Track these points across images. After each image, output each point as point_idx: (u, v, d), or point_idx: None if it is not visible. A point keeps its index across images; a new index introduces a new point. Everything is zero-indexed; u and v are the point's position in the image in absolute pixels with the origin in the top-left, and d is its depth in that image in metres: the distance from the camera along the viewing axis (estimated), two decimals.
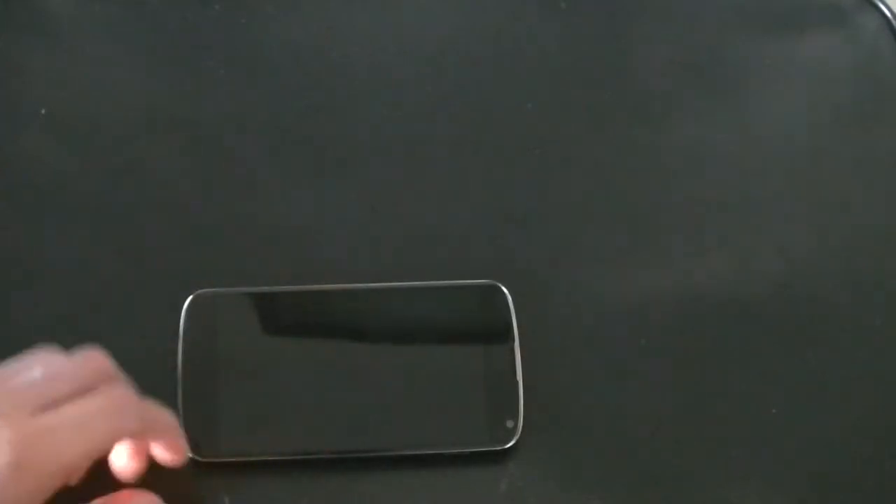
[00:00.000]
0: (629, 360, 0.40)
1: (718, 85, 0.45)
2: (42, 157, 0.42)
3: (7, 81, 0.44)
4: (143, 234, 0.41)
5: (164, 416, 0.34)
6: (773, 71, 0.46)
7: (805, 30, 0.47)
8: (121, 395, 0.32)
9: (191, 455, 0.36)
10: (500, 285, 0.39)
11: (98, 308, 0.40)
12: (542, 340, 0.40)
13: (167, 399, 0.35)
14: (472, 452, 0.37)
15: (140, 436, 0.34)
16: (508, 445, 0.37)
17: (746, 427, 0.39)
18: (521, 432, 0.37)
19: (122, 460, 0.34)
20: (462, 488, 0.37)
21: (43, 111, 0.43)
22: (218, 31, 0.46)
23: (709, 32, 0.46)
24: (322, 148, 0.43)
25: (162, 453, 0.35)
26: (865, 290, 0.41)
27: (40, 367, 0.32)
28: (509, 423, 0.37)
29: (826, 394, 0.39)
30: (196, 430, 0.36)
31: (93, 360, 0.33)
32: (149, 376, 0.35)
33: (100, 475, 0.34)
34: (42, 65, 0.45)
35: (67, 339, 0.39)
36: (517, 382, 0.38)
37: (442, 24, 0.46)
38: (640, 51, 0.46)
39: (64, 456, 0.30)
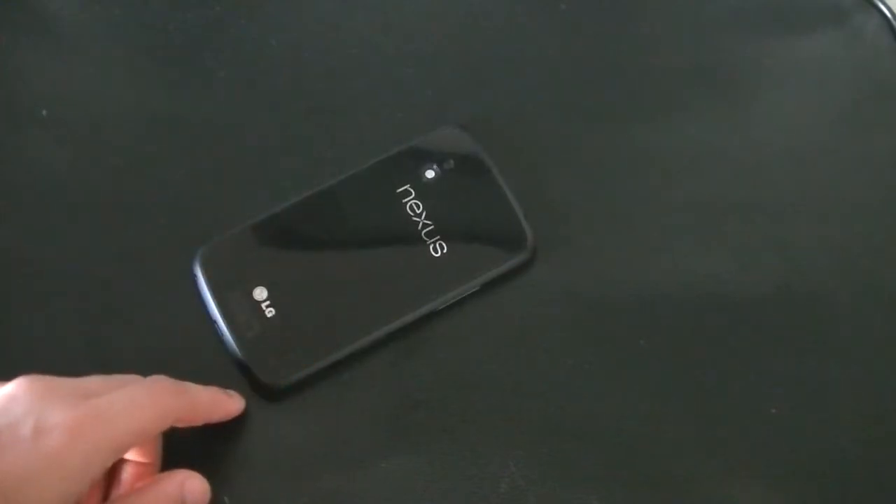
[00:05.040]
0: (629, 360, 0.40)
1: (718, 85, 0.45)
2: (42, 157, 0.43)
3: (7, 81, 0.44)
4: (143, 235, 0.41)
5: (208, 393, 0.37)
6: (773, 71, 0.46)
7: (805, 30, 0.47)
8: (164, 380, 0.35)
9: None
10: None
11: (98, 308, 0.40)
12: (542, 339, 0.40)
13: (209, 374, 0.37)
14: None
15: (188, 417, 0.35)
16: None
17: (746, 427, 0.39)
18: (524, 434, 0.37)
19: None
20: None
21: (43, 112, 0.43)
22: (218, 32, 0.46)
23: (708, 32, 0.46)
24: (322, 148, 0.43)
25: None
26: (865, 290, 0.41)
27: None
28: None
29: (826, 394, 0.39)
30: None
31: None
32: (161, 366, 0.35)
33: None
34: (42, 65, 0.45)
35: (66, 339, 0.39)
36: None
37: (442, 25, 0.46)
38: (640, 51, 0.46)
39: (114, 436, 0.32)
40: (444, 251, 0.40)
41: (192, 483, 0.35)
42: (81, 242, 0.41)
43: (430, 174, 0.41)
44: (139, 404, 0.33)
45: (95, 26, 0.46)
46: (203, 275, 0.39)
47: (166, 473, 0.35)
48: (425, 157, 0.41)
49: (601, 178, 0.43)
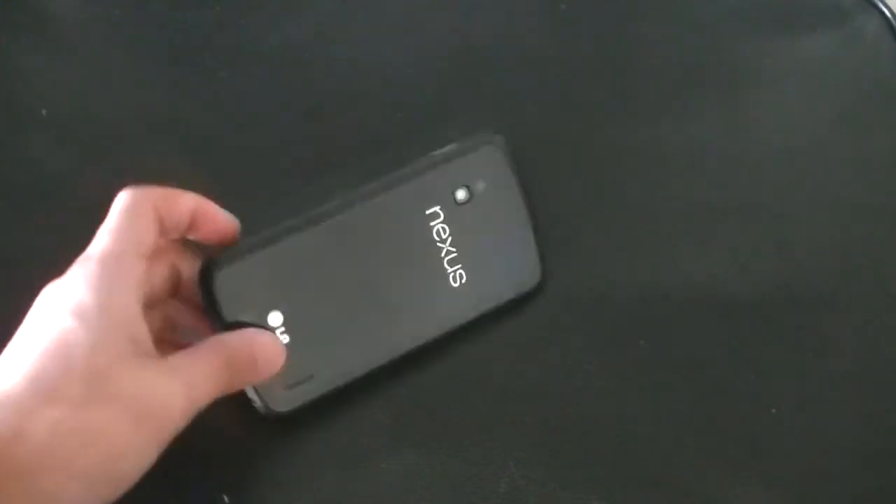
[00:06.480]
0: (629, 360, 0.40)
1: (718, 85, 0.45)
2: (42, 157, 0.43)
3: (7, 81, 0.44)
4: None
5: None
6: (773, 71, 0.46)
7: (805, 30, 0.47)
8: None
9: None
10: None
11: None
12: (542, 340, 0.40)
13: None
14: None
15: (168, 205, 0.36)
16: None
17: (746, 427, 0.39)
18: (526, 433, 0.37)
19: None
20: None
21: (43, 112, 0.43)
22: (218, 32, 0.46)
23: (709, 32, 0.46)
24: (322, 148, 0.43)
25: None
26: (866, 289, 0.41)
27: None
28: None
29: (826, 394, 0.39)
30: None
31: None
32: None
33: None
34: (42, 65, 0.45)
35: None
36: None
37: (442, 25, 0.46)
38: (640, 51, 0.46)
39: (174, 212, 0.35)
40: (463, 281, 0.39)
41: (263, 339, 0.35)
42: (81, 243, 0.41)
43: (461, 195, 0.39)
44: (129, 209, 0.35)
45: (95, 26, 0.46)
46: (218, 297, 0.37)
47: (235, 332, 0.35)
48: (459, 176, 0.39)
49: (602, 178, 0.43)
